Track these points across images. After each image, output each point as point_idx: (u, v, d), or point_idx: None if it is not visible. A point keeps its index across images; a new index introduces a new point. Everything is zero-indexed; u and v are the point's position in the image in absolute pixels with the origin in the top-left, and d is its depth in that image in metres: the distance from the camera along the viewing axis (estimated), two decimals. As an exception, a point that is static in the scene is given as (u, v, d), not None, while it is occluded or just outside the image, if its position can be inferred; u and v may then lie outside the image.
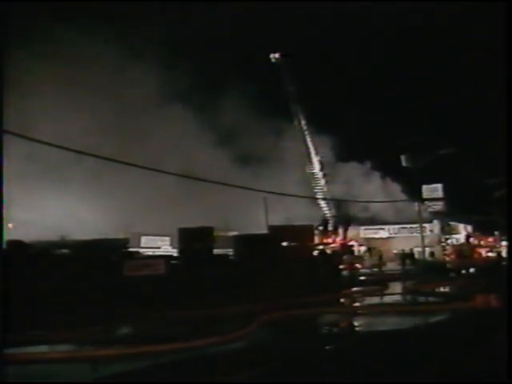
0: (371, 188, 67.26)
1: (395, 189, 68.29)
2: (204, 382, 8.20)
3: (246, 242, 26.15)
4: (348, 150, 67.77)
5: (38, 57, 49.86)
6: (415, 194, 51.46)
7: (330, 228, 53.96)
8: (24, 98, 45.40)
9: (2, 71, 8.33)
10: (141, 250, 39.67)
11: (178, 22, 62.35)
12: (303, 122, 60.83)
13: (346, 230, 52.10)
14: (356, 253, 50.39)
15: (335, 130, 64.03)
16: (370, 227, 65.40)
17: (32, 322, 13.09)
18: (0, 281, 7.90)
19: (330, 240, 50.18)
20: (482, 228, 66.53)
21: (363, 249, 57.14)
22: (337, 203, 60.18)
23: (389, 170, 67.78)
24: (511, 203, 8.57)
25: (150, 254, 38.93)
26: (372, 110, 73.06)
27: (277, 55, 60.23)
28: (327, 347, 11.33)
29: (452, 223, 65.47)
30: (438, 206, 63.82)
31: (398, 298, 22.68)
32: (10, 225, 34.01)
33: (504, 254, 51.18)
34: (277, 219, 42.79)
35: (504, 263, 35.35)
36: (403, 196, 62.13)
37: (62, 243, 30.25)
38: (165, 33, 61.27)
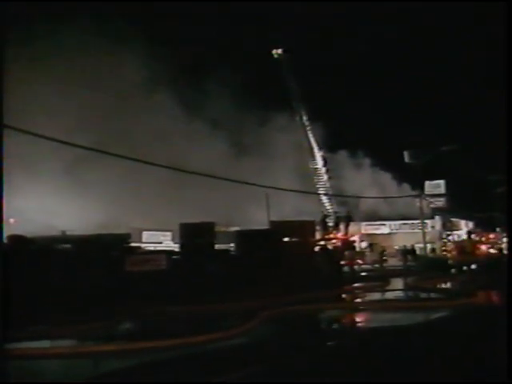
0: (371, 183, 67.17)
1: (396, 184, 68.33)
2: (204, 381, 8.18)
3: (247, 238, 26.11)
4: (349, 145, 67.98)
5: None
6: (417, 190, 51.42)
7: (331, 223, 53.85)
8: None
9: (2, 69, 8.29)
10: (142, 245, 39.64)
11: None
12: (305, 118, 60.80)
13: (347, 226, 51.96)
14: (357, 249, 50.34)
15: (337, 127, 64.06)
16: (372, 223, 65.35)
17: (33, 317, 13.10)
18: (0, 276, 7.89)
19: (331, 236, 50.06)
20: (484, 224, 66.50)
21: (365, 245, 57.10)
22: (338, 199, 60.21)
23: (391, 165, 67.96)
24: (511, 200, 8.54)
25: (152, 249, 38.93)
26: (374, 108, 73.22)
27: (279, 51, 60.07)
28: (328, 343, 11.33)
29: (453, 219, 65.44)
30: (440, 202, 63.80)
31: (399, 294, 22.67)
32: (11, 220, 34.05)
33: (506, 250, 51.16)
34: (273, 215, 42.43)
35: (505, 259, 35.33)
36: (404, 191, 62.10)
37: (63, 238, 30.20)
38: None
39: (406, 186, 62.89)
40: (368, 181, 67.28)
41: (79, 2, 52.95)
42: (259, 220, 40.00)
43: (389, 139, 62.63)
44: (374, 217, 64.82)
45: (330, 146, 65.03)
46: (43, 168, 46.94)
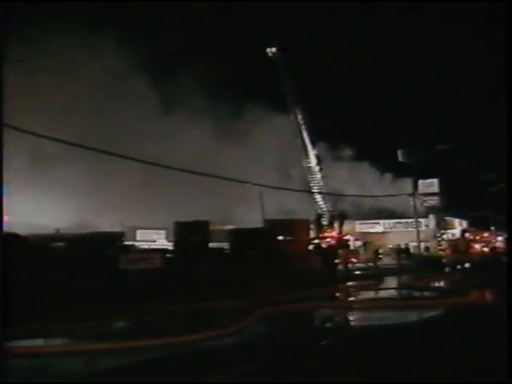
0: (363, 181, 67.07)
1: (390, 183, 68.30)
2: (204, 381, 8.16)
3: (241, 236, 26.10)
4: (342, 142, 68.00)
5: None
6: (411, 189, 51.44)
7: (325, 222, 53.86)
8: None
9: (1, 68, 8.25)
10: (136, 244, 39.56)
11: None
12: (300, 117, 60.66)
13: (341, 225, 51.97)
14: (351, 247, 50.39)
15: (331, 125, 64.06)
16: (366, 222, 65.35)
17: (29, 315, 13.04)
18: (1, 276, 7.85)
19: (325, 234, 50.08)
20: (478, 223, 66.74)
21: (359, 243, 57.12)
22: (332, 197, 60.13)
23: (384, 163, 68.01)
24: (511, 200, 8.52)
25: (146, 247, 38.86)
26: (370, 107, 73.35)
27: (274, 49, 59.83)
28: (322, 342, 11.33)
29: (447, 218, 65.53)
30: (434, 201, 63.89)
31: (393, 292, 22.70)
32: (6, 217, 33.86)
33: (499, 249, 51.42)
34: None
35: (499, 258, 35.50)
36: (398, 190, 62.16)
37: (58, 236, 30.13)
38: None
39: (400, 185, 62.90)
40: (359, 179, 67.20)
41: None
42: (253, 218, 40.01)
43: (382, 138, 62.79)
44: (367, 215, 64.82)
45: (323, 144, 65.05)
46: (21, 164, 45.97)
